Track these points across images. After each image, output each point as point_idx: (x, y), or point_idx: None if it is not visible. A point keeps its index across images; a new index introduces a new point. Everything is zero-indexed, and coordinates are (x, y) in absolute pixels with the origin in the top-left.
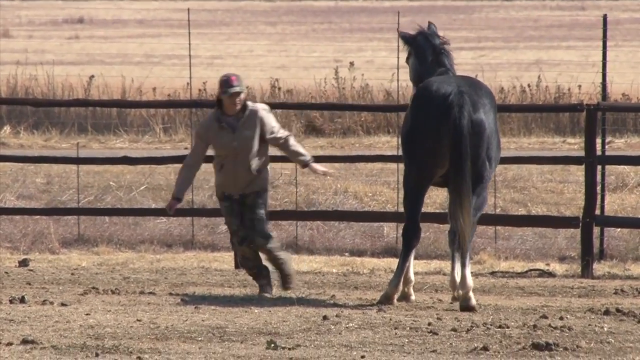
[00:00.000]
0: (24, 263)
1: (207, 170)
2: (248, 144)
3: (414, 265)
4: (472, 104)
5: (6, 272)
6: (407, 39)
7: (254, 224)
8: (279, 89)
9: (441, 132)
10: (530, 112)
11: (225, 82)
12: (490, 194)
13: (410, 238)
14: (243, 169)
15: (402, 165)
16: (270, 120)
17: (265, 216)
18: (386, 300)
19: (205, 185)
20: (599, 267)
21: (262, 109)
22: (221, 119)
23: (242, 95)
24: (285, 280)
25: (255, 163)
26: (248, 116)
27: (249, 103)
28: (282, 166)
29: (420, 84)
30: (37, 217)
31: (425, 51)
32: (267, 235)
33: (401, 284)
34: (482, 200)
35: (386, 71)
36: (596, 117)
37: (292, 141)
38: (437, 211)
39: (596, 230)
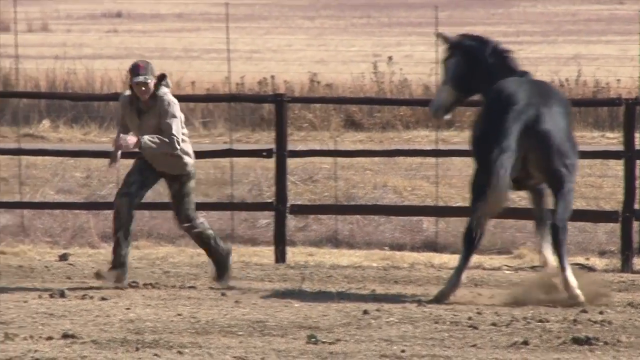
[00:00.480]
0: (63, 257)
1: (246, 165)
2: (154, 131)
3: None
4: (538, 116)
5: (46, 267)
6: (453, 41)
7: (182, 210)
8: (318, 83)
9: None
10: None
11: (132, 70)
12: None
13: (474, 240)
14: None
15: (441, 160)
16: (170, 115)
17: (193, 204)
18: (442, 297)
19: (244, 180)
20: (638, 262)
21: (169, 102)
22: (133, 102)
23: (150, 84)
24: (219, 273)
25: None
26: (154, 105)
27: (161, 93)
28: (322, 160)
29: (469, 86)
30: (77, 211)
31: (482, 54)
32: (192, 218)
33: (460, 283)
34: (567, 205)
35: (425, 65)
36: (635, 111)
37: (169, 140)
38: None
39: (636, 224)
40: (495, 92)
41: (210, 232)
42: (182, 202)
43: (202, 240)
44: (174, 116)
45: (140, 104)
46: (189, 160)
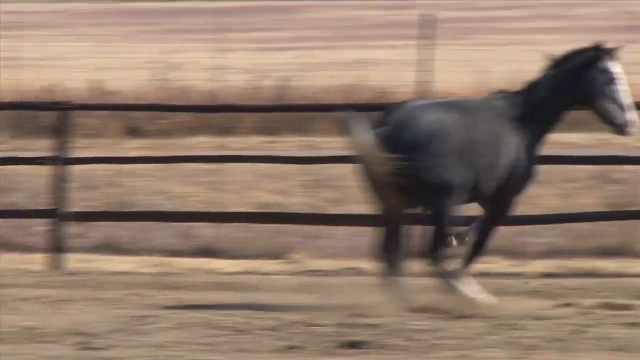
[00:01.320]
0: None
1: (29, 172)
2: None
3: None
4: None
5: None
6: None
7: None
8: (99, 90)
9: None
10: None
11: None
12: (307, 193)
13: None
14: None
15: (220, 165)
16: None
17: None
18: None
19: (25, 187)
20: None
21: None
22: None
23: None
24: None
25: None
26: None
27: None
28: (103, 167)
29: None
30: None
31: None
32: None
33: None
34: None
35: (208, 72)
36: None
37: None
38: (251, 210)
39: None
40: None
41: None
42: None
43: None
44: None
45: None
46: None
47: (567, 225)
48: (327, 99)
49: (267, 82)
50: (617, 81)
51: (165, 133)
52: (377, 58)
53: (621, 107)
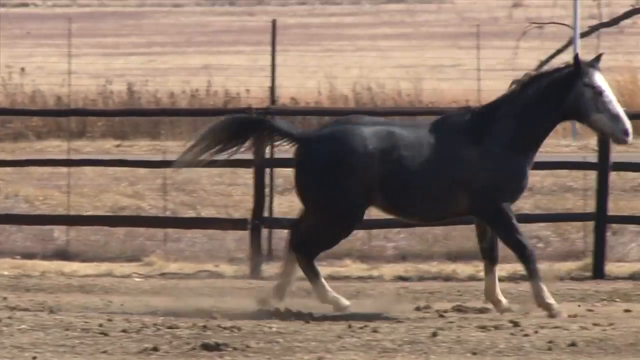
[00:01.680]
0: None
1: None
2: None
3: None
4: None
5: None
6: None
7: None
8: None
9: None
10: (200, 116)
11: None
12: (160, 197)
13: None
14: None
15: (72, 169)
16: None
17: None
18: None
19: None
20: (267, 268)
21: None
22: None
23: None
24: None
25: None
26: None
27: None
28: None
29: None
30: None
31: None
32: None
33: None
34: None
35: (57, 76)
36: None
37: None
38: (108, 214)
39: (264, 232)
40: None
41: None
42: None
43: None
44: None
45: None
46: None
47: (420, 229)
48: (175, 104)
49: (116, 87)
50: (605, 92)
51: (16, 137)
52: (225, 64)
53: (615, 117)
